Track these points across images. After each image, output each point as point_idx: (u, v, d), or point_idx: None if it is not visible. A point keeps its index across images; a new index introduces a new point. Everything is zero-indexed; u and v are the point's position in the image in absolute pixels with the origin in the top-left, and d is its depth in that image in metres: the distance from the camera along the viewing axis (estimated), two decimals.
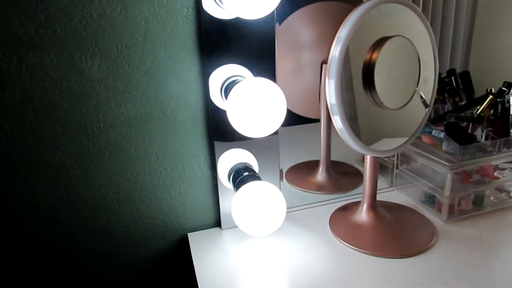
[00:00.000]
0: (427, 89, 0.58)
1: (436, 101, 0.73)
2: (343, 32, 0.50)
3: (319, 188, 0.75)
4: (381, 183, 0.76)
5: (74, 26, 0.50)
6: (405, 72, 0.54)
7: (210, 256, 0.57)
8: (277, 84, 0.54)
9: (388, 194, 0.73)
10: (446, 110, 0.70)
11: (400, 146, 0.58)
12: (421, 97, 0.57)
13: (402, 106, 0.55)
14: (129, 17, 0.52)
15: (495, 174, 0.64)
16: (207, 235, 0.63)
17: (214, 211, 0.65)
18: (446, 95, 0.71)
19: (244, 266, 0.54)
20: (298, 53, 0.74)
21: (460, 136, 0.62)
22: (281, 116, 0.52)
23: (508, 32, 0.82)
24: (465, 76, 0.71)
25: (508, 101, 0.62)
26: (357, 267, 0.53)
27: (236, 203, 0.55)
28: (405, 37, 0.53)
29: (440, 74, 0.75)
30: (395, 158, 0.73)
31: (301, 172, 0.81)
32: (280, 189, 0.64)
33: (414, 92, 0.55)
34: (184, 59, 0.56)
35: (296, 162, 0.84)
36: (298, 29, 0.73)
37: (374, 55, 0.52)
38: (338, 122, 0.51)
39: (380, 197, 0.71)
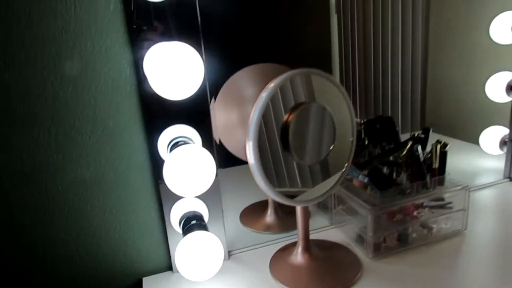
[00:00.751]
0: (346, 143, 0.66)
1: (367, 146, 0.81)
2: (262, 97, 0.58)
3: (268, 228, 0.83)
4: (323, 220, 0.84)
5: (33, 108, 0.59)
6: (320, 131, 0.62)
7: None
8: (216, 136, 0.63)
9: (328, 232, 0.80)
10: (375, 154, 0.78)
11: (320, 195, 0.66)
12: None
13: (319, 161, 0.63)
14: (79, 95, 0.61)
15: (415, 213, 0.72)
16: (160, 278, 0.71)
17: (166, 255, 0.72)
18: (371, 141, 0.79)
19: None
20: (242, 107, 0.83)
21: (380, 181, 0.70)
22: (210, 179, 0.60)
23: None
24: (389, 121, 0.80)
25: (417, 150, 0.71)
26: None
27: (177, 251, 0.63)
28: (319, 103, 0.61)
29: (371, 119, 0.84)
30: (332, 199, 0.81)
31: (254, 213, 0.89)
32: (224, 231, 0.72)
33: (331, 148, 0.64)
34: (130, 127, 0.65)
35: (252, 202, 0.92)
36: (242, 86, 0.83)
37: (290, 118, 0.60)
38: (260, 182, 0.60)
39: (320, 235, 0.79)
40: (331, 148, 0.64)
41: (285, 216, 0.85)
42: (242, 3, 0.87)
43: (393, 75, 0.98)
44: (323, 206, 0.86)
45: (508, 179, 0.97)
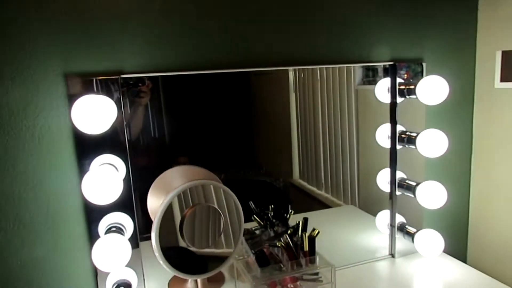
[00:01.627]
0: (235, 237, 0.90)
1: (266, 227, 1.05)
2: (166, 200, 0.84)
3: None
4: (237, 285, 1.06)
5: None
6: (207, 226, 0.87)
7: None
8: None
9: None
10: (265, 237, 1.02)
11: (208, 273, 0.89)
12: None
13: (207, 248, 0.87)
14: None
15: (289, 285, 0.95)
16: None
17: None
18: (268, 224, 1.04)
19: None
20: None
21: (262, 260, 0.94)
22: (125, 261, 0.84)
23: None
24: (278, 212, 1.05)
25: (287, 238, 0.95)
26: None
27: None
28: (209, 204, 0.86)
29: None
30: (235, 271, 1.03)
31: (179, 280, 1.11)
32: None
33: (216, 237, 0.88)
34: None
35: None
36: (170, 180, 1.08)
37: (187, 213, 0.85)
38: (164, 265, 0.83)
39: None
40: (216, 239, 0.88)
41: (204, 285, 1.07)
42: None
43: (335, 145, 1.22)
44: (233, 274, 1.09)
45: (390, 255, 1.20)
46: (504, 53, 1.09)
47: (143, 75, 0.90)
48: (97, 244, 0.82)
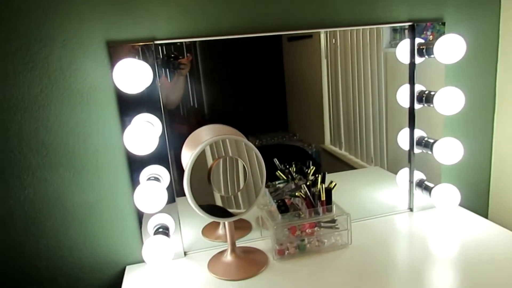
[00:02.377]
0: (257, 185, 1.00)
1: (288, 181, 1.15)
2: (195, 151, 0.95)
3: (217, 238, 1.18)
4: (257, 234, 1.17)
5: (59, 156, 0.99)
6: (233, 175, 0.97)
7: None
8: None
9: (258, 242, 1.14)
10: (287, 189, 1.12)
11: (236, 216, 1.00)
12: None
13: (234, 194, 0.98)
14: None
15: (308, 231, 1.05)
16: (137, 267, 1.08)
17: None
18: (290, 178, 1.13)
19: None
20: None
21: (281, 207, 1.04)
22: (162, 203, 0.97)
23: None
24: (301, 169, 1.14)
25: (304, 188, 1.04)
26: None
27: (144, 246, 0.99)
28: (233, 156, 0.97)
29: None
30: (260, 219, 1.14)
31: (211, 227, 1.24)
32: (181, 237, 1.08)
33: (241, 188, 0.98)
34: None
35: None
36: (201, 136, 1.19)
37: (214, 164, 0.96)
38: (194, 207, 0.95)
39: (251, 244, 1.13)
40: (241, 187, 0.98)
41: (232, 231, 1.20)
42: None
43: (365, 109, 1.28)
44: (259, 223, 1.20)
45: (409, 209, 1.26)
46: None
47: (175, 41, 1.01)
48: (138, 189, 0.96)
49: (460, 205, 1.24)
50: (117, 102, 1.00)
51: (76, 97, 0.97)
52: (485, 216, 1.37)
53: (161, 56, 1.01)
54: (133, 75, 0.91)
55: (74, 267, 1.07)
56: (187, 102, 1.09)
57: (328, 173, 1.14)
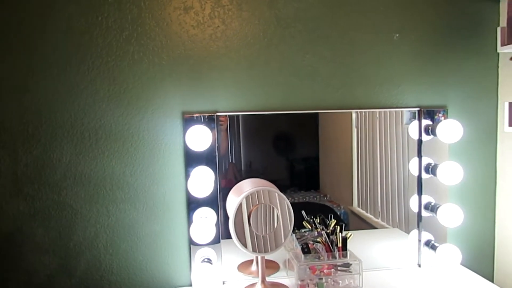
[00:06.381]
0: (286, 229, 1.26)
1: (312, 229, 1.39)
2: (238, 200, 1.23)
3: (250, 273, 1.41)
4: (284, 273, 1.40)
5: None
6: (268, 218, 1.24)
7: None
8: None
9: (285, 279, 1.36)
10: (311, 236, 1.36)
11: (268, 253, 1.25)
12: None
13: (268, 234, 1.24)
14: None
15: (325, 271, 1.27)
16: None
17: (189, 276, 1.35)
18: (314, 227, 1.38)
19: None
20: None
21: (304, 249, 1.28)
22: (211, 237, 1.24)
23: None
24: (324, 221, 1.38)
25: (323, 235, 1.27)
26: None
27: (193, 271, 1.25)
28: (269, 204, 1.24)
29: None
30: (287, 261, 1.38)
31: (246, 264, 1.48)
32: (222, 268, 1.33)
33: (274, 229, 1.24)
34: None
35: (246, 259, 1.51)
36: (243, 187, 1.48)
37: (252, 209, 1.23)
38: (235, 241, 1.22)
39: (279, 280, 1.35)
40: (274, 229, 1.24)
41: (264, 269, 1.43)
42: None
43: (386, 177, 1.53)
44: (286, 265, 1.43)
45: (417, 265, 1.45)
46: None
47: (231, 114, 1.34)
48: (193, 224, 1.25)
49: (466, 266, 1.42)
50: (184, 157, 1.32)
51: (156, 151, 1.31)
52: (491, 278, 1.52)
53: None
54: (200, 137, 1.25)
55: (136, 284, 1.34)
56: (232, 157, 1.39)
57: (352, 231, 1.38)
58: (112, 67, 1.27)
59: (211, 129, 1.30)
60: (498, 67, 1.47)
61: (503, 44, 1.36)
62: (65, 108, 1.26)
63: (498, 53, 1.46)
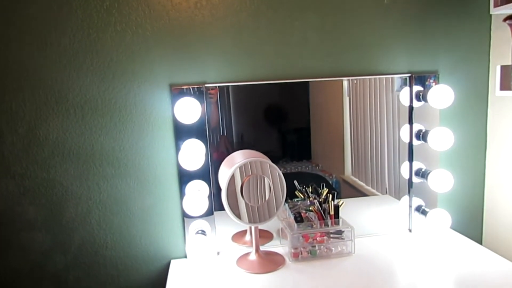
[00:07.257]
0: (279, 199, 1.26)
1: (304, 199, 1.40)
2: (230, 171, 1.23)
3: (244, 243, 1.43)
4: (277, 241, 1.42)
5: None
6: (260, 190, 1.24)
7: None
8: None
9: (278, 248, 1.38)
10: (303, 205, 1.37)
11: (261, 222, 1.26)
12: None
13: (260, 205, 1.24)
14: None
15: (318, 239, 1.28)
16: (181, 261, 1.35)
17: (183, 249, 1.36)
18: (306, 196, 1.39)
19: None
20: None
21: (297, 218, 1.29)
22: (204, 208, 1.25)
23: None
24: (316, 189, 1.39)
25: (316, 204, 1.28)
26: (244, 279, 1.21)
27: (187, 244, 1.27)
28: (261, 175, 1.23)
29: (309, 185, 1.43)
30: (280, 230, 1.39)
31: (240, 234, 1.49)
32: (216, 238, 1.34)
33: (266, 200, 1.24)
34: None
35: (240, 230, 1.52)
36: (235, 158, 1.47)
37: (244, 180, 1.23)
38: (230, 214, 1.22)
39: (272, 248, 1.37)
40: (266, 199, 1.24)
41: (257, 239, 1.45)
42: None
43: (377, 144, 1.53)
44: (279, 234, 1.45)
45: (408, 230, 1.48)
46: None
47: (220, 85, 1.31)
48: (186, 197, 1.24)
49: (455, 229, 1.45)
50: (174, 130, 1.30)
51: (144, 125, 1.29)
52: (479, 240, 1.56)
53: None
54: (189, 110, 1.22)
55: (131, 258, 1.35)
56: (222, 128, 1.37)
57: (344, 199, 1.39)
58: (94, 40, 1.23)
59: (200, 101, 1.28)
60: (490, 29, 1.44)
61: (496, 5, 1.33)
62: (48, 85, 1.22)
63: (491, 15, 1.43)
